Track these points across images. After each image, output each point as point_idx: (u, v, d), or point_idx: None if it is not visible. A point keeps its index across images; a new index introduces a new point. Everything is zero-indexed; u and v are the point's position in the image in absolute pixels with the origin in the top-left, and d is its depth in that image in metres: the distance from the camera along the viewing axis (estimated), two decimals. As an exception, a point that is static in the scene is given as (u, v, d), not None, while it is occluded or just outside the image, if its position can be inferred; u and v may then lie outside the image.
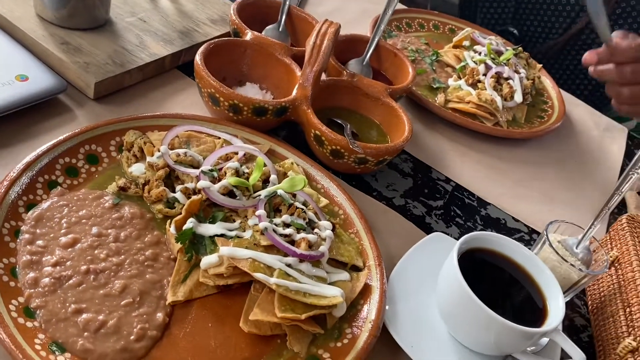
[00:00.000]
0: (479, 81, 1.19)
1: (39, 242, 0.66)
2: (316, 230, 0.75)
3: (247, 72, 1.00)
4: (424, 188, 1.00)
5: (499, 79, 1.20)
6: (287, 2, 1.08)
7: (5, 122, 0.79)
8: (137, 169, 0.78)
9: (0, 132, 0.79)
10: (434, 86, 1.21)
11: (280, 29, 1.08)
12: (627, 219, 0.90)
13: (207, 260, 0.69)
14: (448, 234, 0.91)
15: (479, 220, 0.98)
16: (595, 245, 0.84)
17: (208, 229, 0.72)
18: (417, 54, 1.28)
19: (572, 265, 0.79)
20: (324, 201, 0.83)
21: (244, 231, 0.73)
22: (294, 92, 0.91)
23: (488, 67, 1.20)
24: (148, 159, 0.78)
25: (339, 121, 0.97)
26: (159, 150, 0.78)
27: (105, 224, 0.71)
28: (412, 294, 0.77)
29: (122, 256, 0.69)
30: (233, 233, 0.72)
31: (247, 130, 0.88)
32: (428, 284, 0.78)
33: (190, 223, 0.71)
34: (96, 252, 0.68)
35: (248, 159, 0.83)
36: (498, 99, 1.16)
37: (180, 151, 0.79)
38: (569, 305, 0.89)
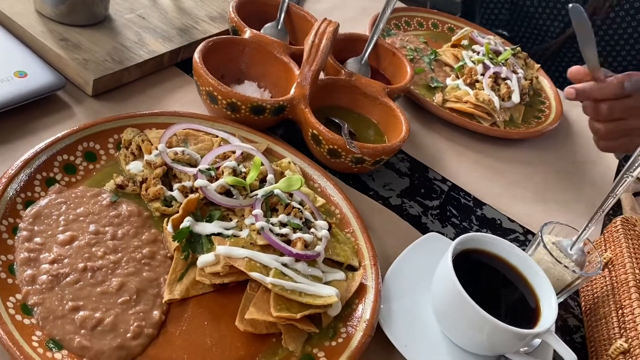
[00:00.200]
0: (477, 81, 1.20)
1: (37, 240, 0.67)
2: (312, 229, 0.76)
3: (246, 70, 1.00)
4: (421, 188, 1.00)
5: (496, 79, 1.20)
6: (286, 0, 1.09)
7: (3, 119, 0.80)
8: (134, 167, 0.79)
9: (-2, 129, 0.79)
10: (432, 85, 1.21)
11: (279, 27, 1.08)
12: (621, 221, 0.91)
13: (203, 259, 0.69)
14: (444, 234, 0.91)
15: (475, 221, 0.99)
16: (589, 247, 0.84)
17: (205, 228, 0.72)
18: (415, 52, 1.29)
19: (565, 266, 0.80)
20: (320, 201, 0.83)
21: (241, 230, 0.73)
22: (292, 91, 0.92)
23: (486, 67, 1.21)
24: (146, 157, 0.78)
25: (337, 120, 0.98)
26: (156, 149, 0.79)
27: (102, 221, 0.71)
28: (406, 293, 0.78)
29: (120, 254, 0.69)
30: (230, 232, 0.73)
31: (244, 129, 0.89)
32: (423, 284, 0.78)
33: (187, 222, 0.71)
34: (93, 249, 0.68)
35: (245, 157, 0.84)
36: (495, 99, 1.16)
37: (178, 149, 0.79)
38: (563, 305, 0.90)
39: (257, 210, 0.73)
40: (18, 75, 0.83)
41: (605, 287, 0.85)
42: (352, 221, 0.83)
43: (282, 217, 0.74)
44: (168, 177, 0.79)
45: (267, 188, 0.76)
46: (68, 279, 0.64)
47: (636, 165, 0.80)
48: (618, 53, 1.56)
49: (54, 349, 0.59)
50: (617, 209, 1.12)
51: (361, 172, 0.97)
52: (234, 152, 0.82)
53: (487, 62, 1.21)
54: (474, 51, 1.27)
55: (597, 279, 0.89)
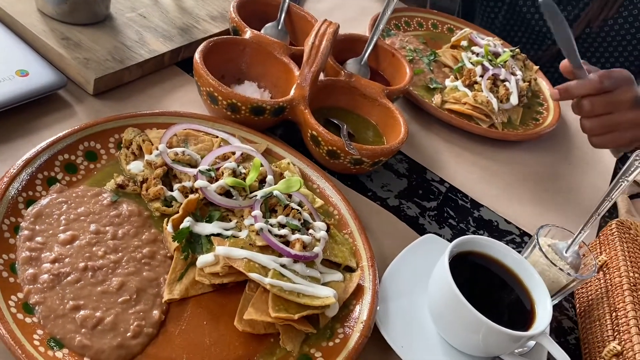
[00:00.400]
0: (476, 82, 1.20)
1: (38, 239, 0.67)
2: (311, 231, 0.76)
3: (246, 70, 1.00)
4: (419, 189, 1.01)
5: (495, 80, 1.21)
6: (287, 0, 1.09)
7: (5, 117, 0.80)
8: (135, 167, 0.79)
9: (0, 128, 0.79)
10: (431, 86, 1.22)
11: (279, 27, 1.09)
12: (616, 224, 0.92)
13: (203, 259, 0.70)
14: (441, 235, 0.92)
15: (472, 222, 0.99)
16: (584, 249, 0.85)
17: (204, 228, 0.73)
18: (415, 53, 1.29)
19: (560, 269, 0.80)
20: (319, 202, 0.84)
21: (240, 231, 0.74)
22: (292, 92, 0.92)
23: (485, 69, 1.21)
24: (146, 157, 0.79)
25: (336, 121, 0.98)
26: (157, 149, 0.79)
27: (103, 221, 0.72)
28: (403, 295, 0.79)
29: (120, 253, 0.70)
30: (229, 232, 0.73)
31: (244, 129, 0.89)
32: (419, 285, 0.79)
33: (187, 222, 0.72)
34: (94, 249, 0.69)
35: (245, 158, 0.84)
36: (494, 101, 1.17)
37: (178, 150, 0.80)
38: (558, 307, 0.91)
39: (257, 212, 0.74)
40: (20, 74, 0.83)
41: (599, 290, 0.86)
42: (350, 222, 0.84)
43: (281, 218, 0.75)
44: (168, 177, 0.80)
45: (266, 189, 0.77)
46: (69, 278, 0.65)
47: (632, 169, 0.81)
48: (608, 60, 1.58)
49: (55, 348, 0.60)
50: (613, 211, 1.13)
51: (360, 173, 0.97)
52: (233, 153, 0.83)
53: (486, 63, 1.22)
54: (473, 52, 1.28)
55: (592, 282, 0.90)
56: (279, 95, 0.98)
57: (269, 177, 0.80)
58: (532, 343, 0.79)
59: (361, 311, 0.73)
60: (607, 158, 1.29)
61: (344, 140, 0.88)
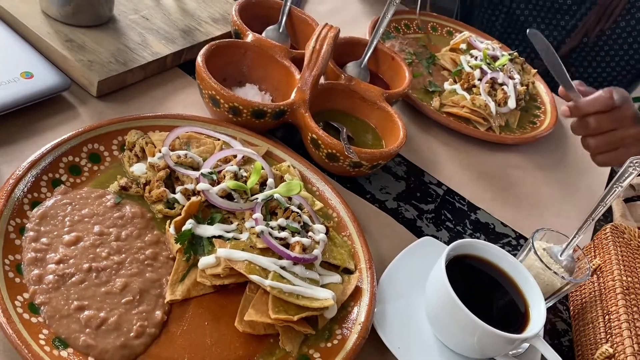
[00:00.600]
0: (474, 86, 1.22)
1: (43, 240, 0.69)
2: (310, 233, 0.78)
3: (247, 73, 1.02)
4: (416, 191, 1.02)
5: (493, 84, 1.22)
6: (288, 4, 1.10)
7: (10, 119, 0.81)
8: (138, 169, 0.81)
9: (5, 129, 0.81)
10: (430, 89, 1.23)
11: (280, 30, 1.10)
12: (610, 228, 0.93)
13: (204, 260, 0.71)
14: (438, 238, 0.94)
15: (469, 225, 1.01)
16: (579, 253, 0.87)
17: (206, 230, 0.74)
18: (414, 56, 1.30)
19: (555, 273, 0.82)
20: (318, 204, 0.86)
21: (241, 233, 0.76)
22: (293, 95, 0.94)
23: (483, 72, 1.23)
24: (149, 159, 0.80)
25: (335, 124, 1.00)
26: (160, 151, 0.80)
27: (107, 222, 0.74)
28: (400, 297, 0.80)
29: (123, 255, 0.71)
30: (230, 235, 0.75)
31: (245, 132, 0.91)
32: (417, 287, 0.81)
33: (189, 224, 0.73)
34: (98, 250, 0.70)
35: (246, 160, 0.86)
36: (492, 105, 1.18)
37: (181, 153, 0.81)
38: (552, 309, 0.93)
39: (257, 214, 0.75)
40: (24, 76, 0.85)
41: (593, 293, 0.88)
42: (349, 225, 0.85)
43: (281, 220, 0.76)
44: (171, 180, 0.81)
45: (267, 192, 0.79)
46: (73, 279, 0.67)
47: (626, 175, 0.82)
48: (604, 69, 1.60)
49: (60, 347, 0.61)
50: (608, 214, 1.15)
51: (359, 176, 0.99)
52: (235, 156, 0.84)
53: (485, 67, 1.23)
54: (471, 56, 1.29)
55: (585, 285, 0.91)
56: (279, 98, 1.00)
57: (270, 180, 0.82)
58: (526, 345, 0.81)
59: (359, 313, 0.75)
60: (603, 161, 1.30)
61: (344, 143, 0.90)
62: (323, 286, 0.74)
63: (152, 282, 0.70)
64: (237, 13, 1.05)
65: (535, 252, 0.83)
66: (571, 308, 0.93)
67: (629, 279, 0.85)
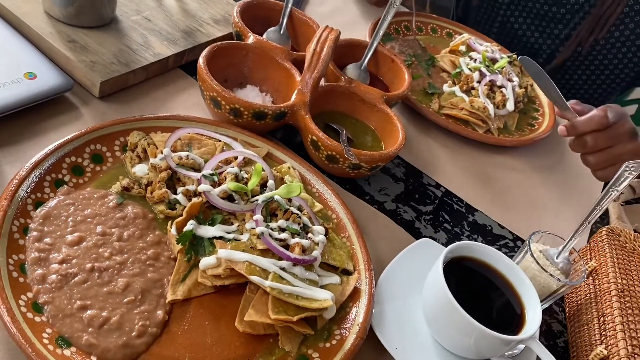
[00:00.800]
0: (473, 88, 1.23)
1: (47, 240, 0.70)
2: (310, 234, 0.79)
3: (248, 74, 1.02)
4: (415, 193, 1.03)
5: (492, 86, 1.23)
6: (289, 6, 1.11)
7: (13, 120, 0.82)
8: (140, 169, 0.81)
9: (8, 130, 0.81)
10: (429, 91, 1.24)
11: (281, 32, 1.11)
12: (606, 231, 0.94)
13: (205, 261, 0.72)
14: (436, 239, 0.95)
15: (466, 226, 1.02)
16: (574, 256, 0.88)
17: (207, 231, 0.75)
18: (414, 58, 1.31)
19: (551, 275, 0.83)
20: (318, 206, 0.87)
21: (242, 234, 0.77)
22: (293, 97, 0.94)
23: (482, 75, 1.24)
24: (151, 160, 0.81)
25: (335, 126, 1.01)
26: (162, 152, 0.81)
27: (109, 223, 0.74)
28: (398, 297, 0.81)
29: (125, 255, 0.72)
30: (231, 236, 0.76)
31: (246, 133, 0.92)
32: (414, 288, 0.82)
33: (190, 225, 0.74)
34: (100, 250, 0.71)
35: (247, 162, 0.87)
36: (490, 107, 1.19)
37: (183, 154, 0.82)
38: (548, 311, 0.94)
39: (258, 216, 0.76)
40: (28, 76, 0.85)
41: (588, 295, 0.89)
42: (348, 226, 0.86)
43: (281, 222, 0.77)
44: (172, 181, 0.82)
45: (267, 194, 0.80)
46: (76, 278, 0.68)
47: (622, 179, 0.83)
48: (599, 77, 1.61)
49: (63, 346, 0.62)
50: (604, 216, 1.16)
51: (358, 177, 1.00)
52: (236, 158, 0.85)
53: (484, 69, 1.24)
54: (471, 58, 1.30)
55: (581, 287, 0.92)
56: (280, 100, 1.01)
57: (270, 182, 0.83)
58: (522, 346, 0.82)
59: (357, 313, 0.76)
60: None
61: (343, 145, 0.91)
62: (322, 287, 0.75)
63: (154, 282, 0.71)
64: (239, 14, 1.05)
65: (532, 255, 0.84)
66: (567, 310, 0.94)
67: (624, 281, 0.86)
